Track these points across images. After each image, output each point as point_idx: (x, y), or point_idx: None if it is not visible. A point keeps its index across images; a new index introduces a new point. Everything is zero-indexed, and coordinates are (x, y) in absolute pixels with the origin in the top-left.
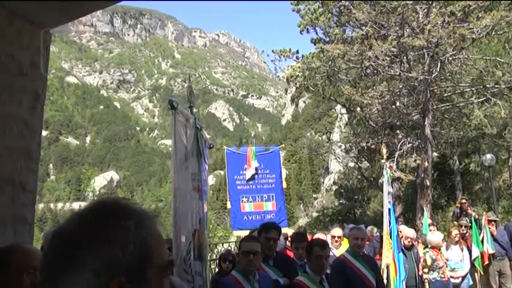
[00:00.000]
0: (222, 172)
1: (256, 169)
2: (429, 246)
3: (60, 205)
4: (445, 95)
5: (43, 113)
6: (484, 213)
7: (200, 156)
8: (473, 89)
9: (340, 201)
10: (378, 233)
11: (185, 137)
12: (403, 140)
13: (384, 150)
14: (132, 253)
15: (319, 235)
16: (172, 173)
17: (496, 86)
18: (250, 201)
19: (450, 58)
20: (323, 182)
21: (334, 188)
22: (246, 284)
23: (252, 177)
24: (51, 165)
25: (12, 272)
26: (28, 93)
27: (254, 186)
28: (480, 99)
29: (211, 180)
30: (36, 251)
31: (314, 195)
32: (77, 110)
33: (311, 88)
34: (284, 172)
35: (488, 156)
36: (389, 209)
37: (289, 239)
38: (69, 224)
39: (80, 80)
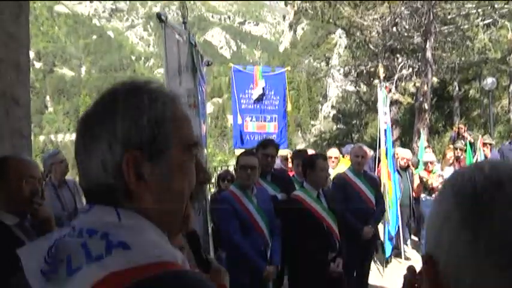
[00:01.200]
0: (220, 100)
1: (263, 89)
2: (422, 167)
3: (60, 136)
4: (449, 17)
5: (29, 23)
6: (480, 136)
7: (195, 72)
8: (479, 10)
9: (338, 126)
10: (372, 154)
11: (177, 53)
12: (403, 63)
13: (381, 70)
14: (147, 127)
15: (309, 150)
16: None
17: (505, 6)
18: (254, 121)
19: None
20: (321, 109)
21: (332, 113)
22: (244, 198)
23: (259, 98)
24: (48, 97)
25: (11, 179)
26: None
27: (258, 106)
28: (486, 21)
29: (209, 108)
30: (33, 161)
31: (312, 122)
32: (70, 40)
33: (309, 11)
34: None
35: (489, 80)
36: (385, 130)
37: (288, 159)
38: (89, 108)
39: (70, 9)
